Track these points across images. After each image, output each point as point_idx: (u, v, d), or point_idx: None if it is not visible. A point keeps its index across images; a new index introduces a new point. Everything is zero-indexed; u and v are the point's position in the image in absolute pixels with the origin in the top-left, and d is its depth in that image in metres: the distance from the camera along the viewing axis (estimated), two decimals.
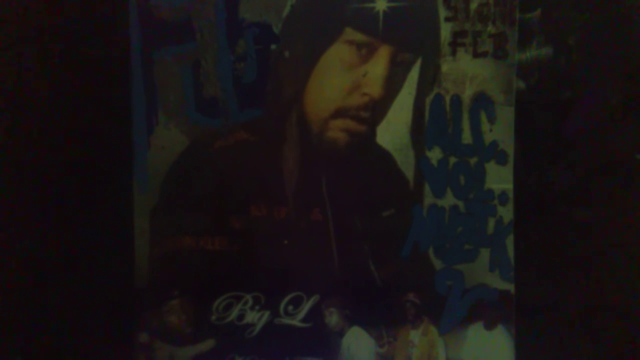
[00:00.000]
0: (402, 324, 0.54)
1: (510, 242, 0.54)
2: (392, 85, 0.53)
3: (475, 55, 0.52)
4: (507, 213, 0.54)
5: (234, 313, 0.54)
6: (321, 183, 0.53)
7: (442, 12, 0.52)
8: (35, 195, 0.55)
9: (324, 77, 0.53)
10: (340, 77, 0.52)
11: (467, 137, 0.53)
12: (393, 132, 0.53)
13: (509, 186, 0.53)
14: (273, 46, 0.53)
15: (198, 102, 0.53)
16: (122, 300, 0.54)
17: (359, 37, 0.52)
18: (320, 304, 0.54)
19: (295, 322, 0.54)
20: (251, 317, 0.54)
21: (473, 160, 0.53)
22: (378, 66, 0.52)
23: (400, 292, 0.54)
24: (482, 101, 0.53)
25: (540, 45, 0.54)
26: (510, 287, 0.54)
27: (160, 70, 0.53)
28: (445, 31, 0.52)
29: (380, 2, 0.52)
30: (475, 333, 0.54)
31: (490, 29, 0.52)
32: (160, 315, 0.54)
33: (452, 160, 0.53)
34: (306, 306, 0.54)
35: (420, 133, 0.53)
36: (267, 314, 0.54)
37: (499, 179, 0.53)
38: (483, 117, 0.53)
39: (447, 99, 0.53)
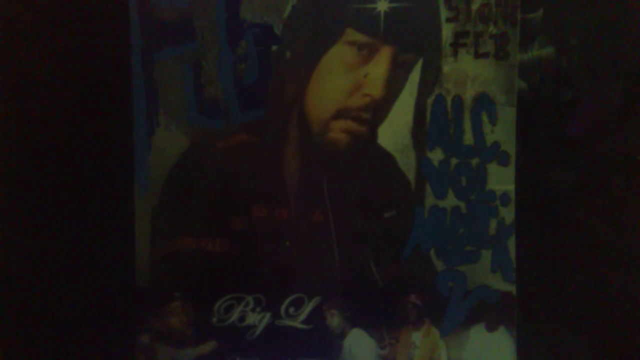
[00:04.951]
0: (403, 326, 0.54)
1: (512, 243, 0.54)
2: (393, 86, 0.52)
3: (477, 55, 0.52)
4: (508, 214, 0.53)
5: (235, 315, 0.54)
6: (322, 184, 0.53)
7: (444, 13, 0.52)
8: (36, 197, 0.55)
9: (325, 78, 0.52)
10: (341, 78, 0.52)
11: (468, 138, 0.53)
12: (394, 133, 0.53)
13: (510, 187, 0.53)
14: (274, 47, 0.52)
15: (199, 103, 0.53)
16: (123, 302, 0.54)
17: (360, 37, 0.52)
18: (322, 305, 0.54)
19: (297, 323, 0.54)
20: (252, 318, 0.54)
21: (474, 161, 0.53)
22: (379, 67, 0.52)
23: (402, 294, 0.54)
24: (483, 102, 0.53)
25: (542, 45, 0.54)
26: (512, 289, 0.54)
27: (161, 71, 0.52)
28: (447, 32, 0.52)
29: (382, 3, 0.51)
30: (477, 334, 0.54)
31: (492, 29, 0.52)
32: (161, 317, 0.54)
33: (454, 161, 0.53)
34: (307, 308, 0.54)
35: (421, 134, 0.53)
36: (268, 315, 0.54)
37: (501, 180, 0.53)
38: (484, 118, 0.53)
39: (449, 99, 0.53)
